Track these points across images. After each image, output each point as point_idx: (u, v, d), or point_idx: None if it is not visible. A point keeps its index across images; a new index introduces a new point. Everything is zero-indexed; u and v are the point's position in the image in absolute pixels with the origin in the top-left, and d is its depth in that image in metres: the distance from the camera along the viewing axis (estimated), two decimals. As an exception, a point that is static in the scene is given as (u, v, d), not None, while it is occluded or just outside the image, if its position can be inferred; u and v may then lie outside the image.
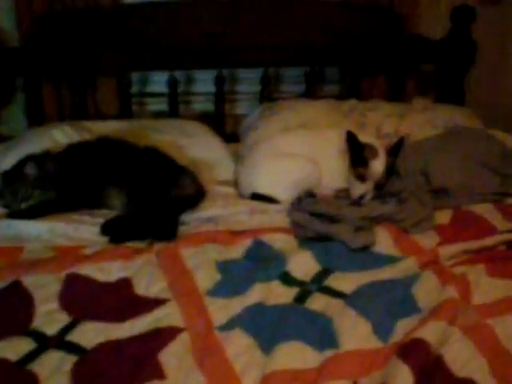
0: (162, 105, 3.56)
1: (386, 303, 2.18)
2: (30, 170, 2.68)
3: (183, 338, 2.04)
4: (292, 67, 3.64)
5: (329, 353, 1.98)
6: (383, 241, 2.55)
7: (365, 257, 2.46)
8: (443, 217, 2.73)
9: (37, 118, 3.34)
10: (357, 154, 2.76)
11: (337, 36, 3.42)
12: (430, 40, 3.50)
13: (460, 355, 1.94)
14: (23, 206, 2.67)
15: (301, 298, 2.24)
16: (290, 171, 2.83)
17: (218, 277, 2.34)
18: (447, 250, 2.46)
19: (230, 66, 3.50)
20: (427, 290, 2.24)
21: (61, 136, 3.05)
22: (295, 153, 2.86)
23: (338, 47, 3.43)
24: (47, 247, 2.51)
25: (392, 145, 2.83)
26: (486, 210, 2.75)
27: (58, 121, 3.31)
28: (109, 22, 3.30)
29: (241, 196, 2.92)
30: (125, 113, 3.43)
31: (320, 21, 3.41)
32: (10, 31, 3.34)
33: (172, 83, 3.41)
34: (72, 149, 2.87)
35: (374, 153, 2.75)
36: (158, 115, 3.53)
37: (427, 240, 2.57)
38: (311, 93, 3.55)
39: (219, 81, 3.43)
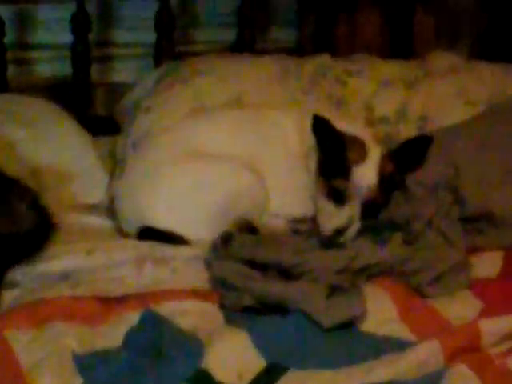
0: None
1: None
2: None
3: None
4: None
5: None
6: (380, 311, 2.55)
7: (346, 341, 2.45)
8: (488, 265, 2.77)
9: None
10: (331, 154, 2.78)
11: None
12: None
13: None
14: None
15: (229, 424, 2.23)
16: (210, 187, 2.85)
17: (77, 383, 2.28)
18: (496, 326, 2.45)
19: None
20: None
21: None
22: (218, 154, 2.87)
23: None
24: None
25: (399, 144, 2.87)
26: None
27: None
28: None
29: (121, 232, 2.93)
30: None
31: None
32: None
33: None
34: None
35: (362, 152, 2.79)
36: None
37: (459, 308, 2.59)
38: (247, 43, 3.60)
39: (80, 21, 3.45)
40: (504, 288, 2.66)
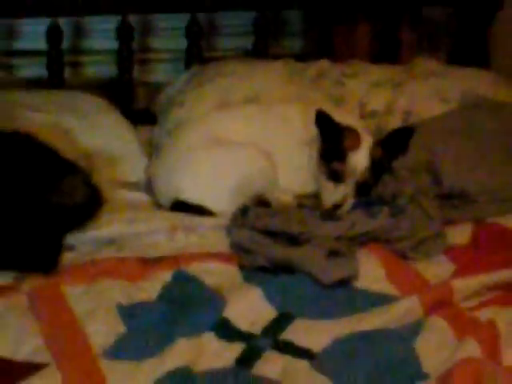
0: (37, 68, 3.56)
1: (374, 366, 2.18)
2: None
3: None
4: (233, 11, 3.67)
5: None
6: (370, 271, 2.58)
7: (342, 296, 2.48)
8: (460, 234, 2.79)
9: None
10: (331, 142, 2.79)
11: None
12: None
13: None
14: None
15: (247, 359, 2.22)
16: (231, 168, 2.87)
17: (120, 329, 2.32)
18: (466, 285, 2.48)
19: (140, 11, 3.51)
20: (436, 346, 2.25)
21: None
22: (238, 141, 2.89)
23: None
24: None
25: (387, 134, 2.89)
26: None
27: None
28: None
29: (157, 205, 2.95)
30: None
31: None
32: None
33: (54, 35, 3.39)
34: None
35: (356, 140, 2.80)
36: (32, 84, 3.53)
37: (436, 269, 2.62)
38: (262, 50, 3.60)
39: (125, 31, 3.45)
40: (472, 254, 2.69)
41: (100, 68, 3.67)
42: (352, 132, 2.81)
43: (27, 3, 3.35)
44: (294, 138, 2.93)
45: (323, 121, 2.79)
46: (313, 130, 2.85)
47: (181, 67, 3.58)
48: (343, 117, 2.88)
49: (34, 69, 3.60)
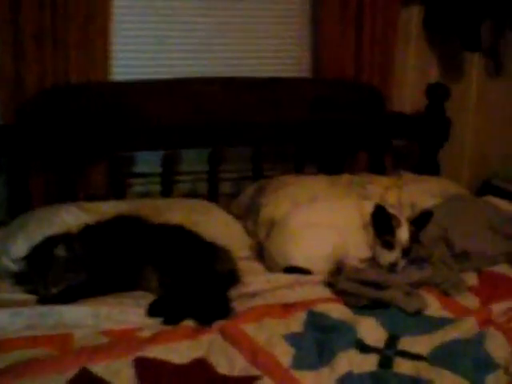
0: (146, 186, 3.48)
1: (468, 360, 2.24)
2: (61, 251, 2.53)
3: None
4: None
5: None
6: (431, 304, 2.61)
7: (422, 320, 2.52)
8: (470, 279, 2.85)
9: (20, 201, 3.15)
10: (384, 223, 2.81)
11: (321, 113, 3.54)
12: (410, 117, 3.71)
13: None
14: (54, 290, 2.50)
15: (386, 364, 2.24)
16: (324, 243, 2.84)
17: (292, 350, 2.28)
18: (498, 308, 2.59)
19: (225, 144, 3.43)
20: (499, 346, 2.33)
21: (69, 217, 2.89)
22: (324, 225, 2.88)
23: (324, 125, 3.55)
24: (96, 332, 2.35)
25: (414, 216, 2.94)
26: (506, 270, 2.94)
27: (44, 204, 3.12)
28: (100, 99, 3.18)
29: (269, 270, 2.88)
30: (117, 194, 3.30)
31: (306, 99, 3.52)
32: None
33: (167, 162, 3.34)
34: (93, 229, 2.73)
35: (398, 221, 2.82)
36: (144, 196, 3.44)
37: (468, 301, 2.67)
38: (300, 171, 3.59)
39: (214, 159, 3.39)
40: (485, 290, 2.77)
41: (189, 184, 3.58)
42: (395, 216, 2.84)
43: (148, 141, 3.29)
44: (355, 221, 2.93)
45: (378, 210, 2.82)
46: (365, 217, 2.88)
47: (242, 182, 3.55)
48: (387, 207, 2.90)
49: (143, 186, 3.50)
